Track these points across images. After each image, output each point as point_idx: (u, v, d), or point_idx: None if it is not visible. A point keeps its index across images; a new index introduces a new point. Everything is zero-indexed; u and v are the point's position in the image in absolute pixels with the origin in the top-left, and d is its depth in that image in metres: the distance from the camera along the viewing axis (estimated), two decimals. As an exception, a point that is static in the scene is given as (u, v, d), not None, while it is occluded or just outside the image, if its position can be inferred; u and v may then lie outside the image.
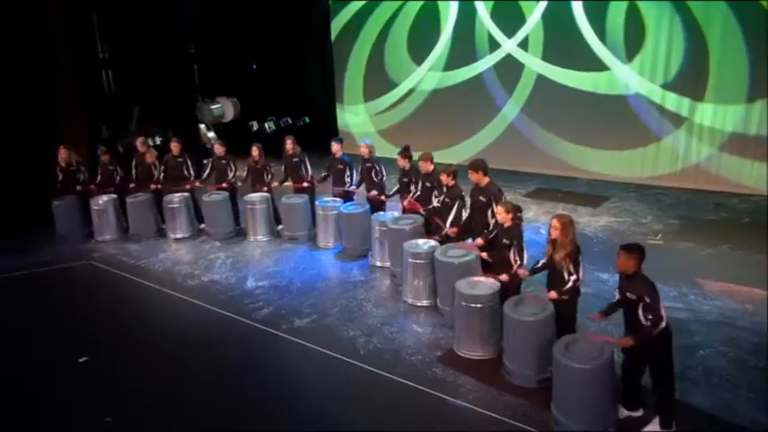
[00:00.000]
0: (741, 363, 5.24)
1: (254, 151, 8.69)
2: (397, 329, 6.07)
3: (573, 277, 4.88)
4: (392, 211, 7.74)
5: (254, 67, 14.53)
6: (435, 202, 6.88)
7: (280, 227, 8.87)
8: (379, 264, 7.59)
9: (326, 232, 8.30)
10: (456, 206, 6.37)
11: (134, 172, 9.15)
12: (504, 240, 5.41)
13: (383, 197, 7.95)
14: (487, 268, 5.78)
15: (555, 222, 4.99)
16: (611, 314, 4.66)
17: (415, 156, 7.45)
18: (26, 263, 8.23)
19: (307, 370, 5.57)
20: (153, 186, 9.07)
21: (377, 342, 5.86)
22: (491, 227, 5.95)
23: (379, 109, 13.17)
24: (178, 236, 8.93)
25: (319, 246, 8.34)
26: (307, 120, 14.06)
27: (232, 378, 5.45)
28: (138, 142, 9.20)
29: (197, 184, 8.96)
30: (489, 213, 6.00)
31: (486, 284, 5.50)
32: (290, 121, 14.10)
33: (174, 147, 8.96)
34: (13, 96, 9.79)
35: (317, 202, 8.48)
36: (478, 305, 5.37)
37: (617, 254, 4.44)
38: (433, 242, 6.57)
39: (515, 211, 5.44)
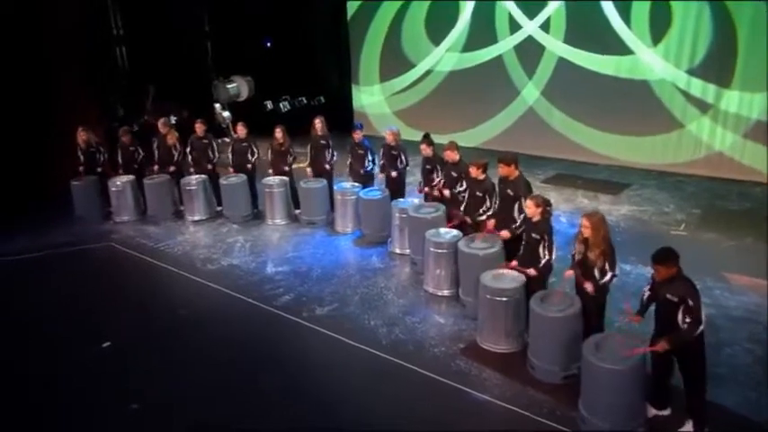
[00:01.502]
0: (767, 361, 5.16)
1: (278, 133, 8.58)
2: (419, 319, 6.03)
3: (609, 274, 4.79)
4: (413, 199, 7.63)
5: (269, 45, 14.29)
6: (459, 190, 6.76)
7: (297, 211, 8.80)
8: (398, 251, 7.53)
9: (345, 217, 8.22)
10: (489, 201, 6.22)
11: (155, 153, 9.06)
12: (534, 235, 5.31)
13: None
14: (512, 260, 5.68)
15: (585, 222, 4.88)
16: (646, 311, 4.55)
17: (435, 140, 7.35)
18: (46, 244, 8.23)
19: (328, 359, 5.55)
20: (172, 169, 8.99)
21: (399, 332, 5.82)
22: (518, 222, 5.82)
23: (395, 90, 12.95)
24: (196, 218, 8.90)
25: (337, 231, 8.28)
26: (322, 99, 13.84)
27: (254, 365, 5.44)
28: (160, 123, 9.12)
29: (230, 170, 8.84)
30: (516, 207, 5.87)
31: (511, 277, 5.42)
32: (304, 101, 13.90)
33: (199, 127, 8.86)
34: (27, 75, 9.68)
35: (335, 187, 8.39)
36: (503, 298, 5.31)
37: (653, 266, 4.28)
38: (455, 232, 6.47)
39: (545, 204, 5.33)
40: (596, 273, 4.84)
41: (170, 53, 12.12)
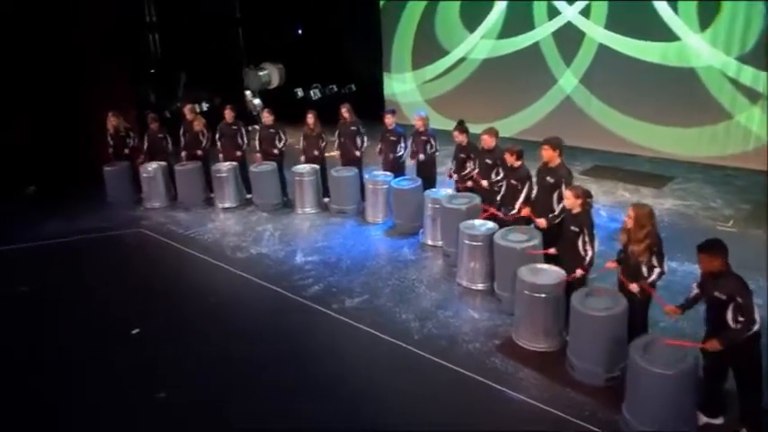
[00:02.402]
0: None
1: (310, 118, 8.43)
2: (452, 314, 5.82)
3: (657, 270, 4.51)
4: (446, 189, 7.39)
5: (300, 32, 14.15)
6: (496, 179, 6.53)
7: (327, 199, 8.65)
8: (430, 242, 7.32)
9: (376, 207, 8.04)
10: (525, 189, 5.97)
11: (182, 140, 9.00)
12: (573, 228, 5.04)
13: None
14: (551, 257, 5.43)
15: (630, 212, 4.61)
16: (689, 309, 4.29)
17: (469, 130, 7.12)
18: (77, 229, 8.25)
19: (358, 352, 5.40)
20: (200, 153, 8.92)
21: (431, 327, 5.62)
22: (557, 211, 5.57)
23: (428, 77, 12.70)
24: (226, 205, 8.83)
25: (368, 221, 8.11)
26: (353, 87, 13.66)
27: (282, 357, 5.31)
28: (187, 109, 9.04)
29: (258, 156, 8.72)
30: (555, 197, 5.61)
31: (551, 273, 5.17)
32: (335, 89, 13.73)
33: (228, 114, 8.76)
34: (60, 61, 9.71)
35: (366, 176, 8.21)
36: (542, 295, 5.06)
37: (698, 256, 4.02)
38: (490, 224, 6.23)
39: (585, 196, 5.05)
40: (644, 269, 4.56)
41: (201, 40, 12.11)
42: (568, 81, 10.77)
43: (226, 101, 10.26)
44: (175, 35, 12.00)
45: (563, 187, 5.48)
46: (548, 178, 5.64)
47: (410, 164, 7.99)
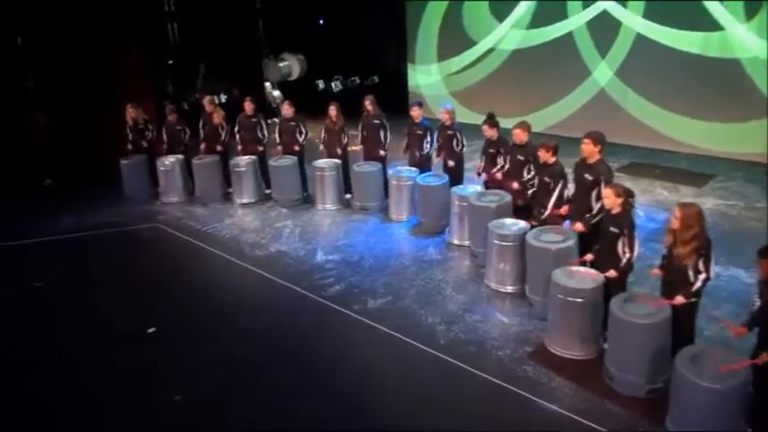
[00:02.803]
0: None
1: (332, 111, 8.32)
2: (481, 318, 5.67)
3: (702, 276, 4.31)
4: (474, 185, 7.23)
5: (321, 22, 14.05)
6: (528, 177, 6.35)
7: (348, 195, 8.55)
8: (456, 242, 7.17)
9: (400, 204, 7.92)
10: (559, 187, 5.78)
11: (201, 132, 8.97)
12: (612, 229, 4.86)
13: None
14: (586, 256, 5.25)
15: (676, 211, 4.41)
16: (757, 326, 4.05)
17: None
18: (93, 223, 8.27)
19: (381, 356, 5.29)
20: (219, 148, 8.88)
21: (458, 331, 5.48)
22: (594, 211, 5.38)
23: (454, 69, 12.49)
24: (244, 201, 8.78)
25: (391, 218, 7.99)
26: (375, 79, 13.50)
27: (301, 359, 5.23)
28: (206, 101, 9.00)
29: (279, 149, 8.66)
30: (594, 195, 5.41)
31: (588, 276, 4.99)
32: (357, 81, 13.59)
33: (248, 106, 8.69)
34: (77, 51, 9.75)
35: (390, 171, 8.09)
36: (578, 300, 4.88)
37: (758, 261, 3.82)
38: (522, 223, 6.07)
39: (626, 195, 4.86)
40: (690, 274, 4.36)
41: (221, 30, 12.06)
42: (603, 73, 10.48)
43: (245, 93, 10.24)
44: (194, 25, 11.97)
45: (602, 185, 5.28)
46: (586, 175, 5.44)
47: (436, 161, 7.83)
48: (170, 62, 11.93)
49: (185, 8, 11.94)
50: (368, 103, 8.25)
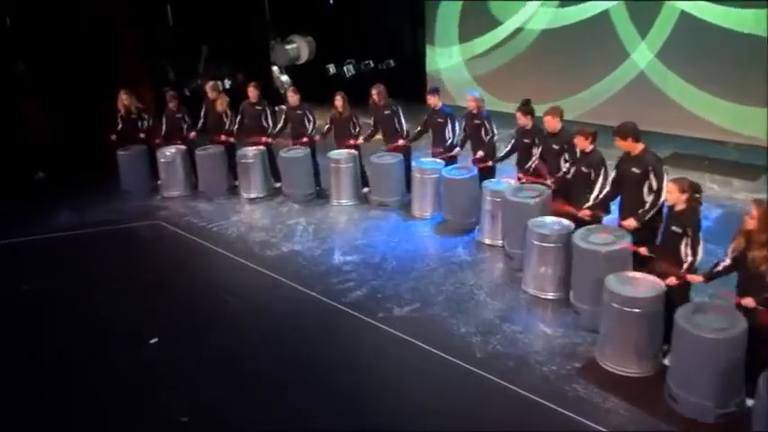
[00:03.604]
0: None
1: (338, 101, 8.02)
2: (521, 328, 5.35)
3: None
4: (507, 178, 6.90)
5: (331, 1, 13.70)
6: (564, 169, 6.03)
7: (366, 190, 8.25)
8: (488, 241, 6.86)
9: (423, 199, 7.60)
10: (600, 178, 5.47)
11: (202, 121, 8.72)
12: (674, 228, 4.52)
13: (491, 162, 7.08)
14: (643, 261, 4.91)
15: (752, 210, 4.07)
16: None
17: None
18: (89, 220, 8.04)
19: (410, 371, 4.98)
20: (224, 138, 8.59)
21: (496, 343, 5.16)
22: (648, 206, 5.04)
23: (477, 52, 12.12)
24: (252, 195, 8.50)
25: (414, 215, 7.69)
26: (391, 63, 13.11)
27: (322, 372, 4.95)
28: (208, 87, 8.71)
29: (271, 140, 8.42)
30: (645, 189, 5.08)
31: (647, 283, 4.65)
32: (371, 65, 13.22)
33: (252, 92, 8.41)
34: (70, 35, 9.49)
35: (413, 164, 7.77)
36: (636, 310, 4.54)
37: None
38: (565, 222, 5.73)
39: (692, 190, 4.51)
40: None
41: (224, 10, 11.74)
42: (643, 55, 10.08)
43: (250, 78, 9.98)
44: (195, 5, 11.68)
45: (651, 177, 4.97)
46: (634, 169, 5.13)
47: (461, 152, 7.51)
48: (169, 45, 11.68)
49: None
50: (374, 94, 7.89)
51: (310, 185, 8.40)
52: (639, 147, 5.20)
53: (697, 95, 9.66)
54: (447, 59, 12.65)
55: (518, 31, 11.45)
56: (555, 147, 6.13)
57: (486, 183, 6.86)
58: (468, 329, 5.36)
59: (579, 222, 5.55)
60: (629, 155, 5.24)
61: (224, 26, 11.72)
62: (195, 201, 8.59)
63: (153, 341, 5.49)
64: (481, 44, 12.02)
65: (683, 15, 9.56)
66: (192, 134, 8.74)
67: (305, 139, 8.28)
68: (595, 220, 5.52)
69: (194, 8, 11.63)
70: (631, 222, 5.12)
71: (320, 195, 8.44)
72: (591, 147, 5.54)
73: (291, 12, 12.89)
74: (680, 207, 4.53)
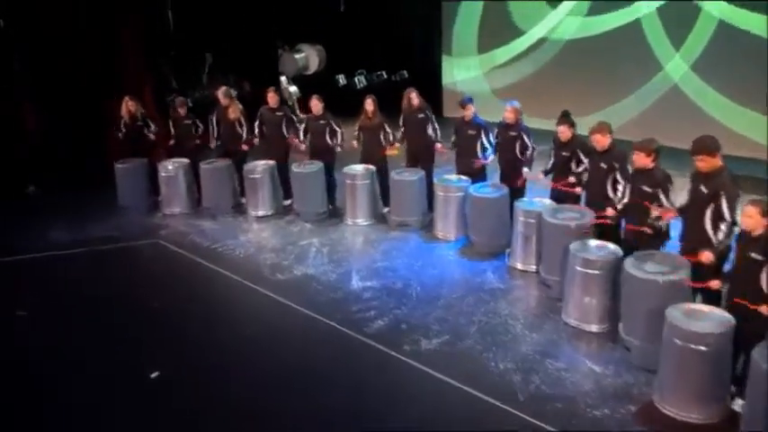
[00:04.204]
0: None
1: (369, 105, 7.74)
2: (565, 365, 4.98)
3: None
4: (541, 198, 6.57)
5: (342, 8, 13.51)
6: (616, 192, 5.67)
7: (386, 209, 7.93)
8: (520, 266, 6.52)
9: (447, 220, 7.29)
10: (666, 197, 5.13)
11: (214, 130, 8.45)
12: (754, 255, 4.17)
13: (541, 175, 6.65)
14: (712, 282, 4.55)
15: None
16: None
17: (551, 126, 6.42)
18: (83, 238, 7.73)
19: (445, 414, 4.58)
20: (245, 148, 8.32)
21: (539, 382, 4.79)
22: (721, 235, 4.64)
23: (498, 63, 11.99)
24: (260, 213, 8.21)
25: (437, 236, 7.37)
26: (405, 74, 12.95)
27: (345, 415, 4.56)
28: (220, 93, 8.44)
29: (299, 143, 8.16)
30: (709, 214, 4.72)
31: (713, 317, 4.29)
32: (384, 76, 13.04)
33: (272, 98, 8.16)
34: (69, 38, 9.29)
35: (435, 180, 7.46)
36: (701, 347, 4.18)
37: None
38: (612, 246, 5.40)
39: (776, 213, 4.18)
40: None
41: (229, 17, 11.57)
42: (677, 67, 9.89)
43: (256, 87, 9.76)
44: (199, 10, 11.51)
45: (723, 202, 4.62)
46: (701, 187, 4.78)
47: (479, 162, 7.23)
48: (172, 53, 11.50)
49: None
50: (413, 94, 7.65)
51: (323, 203, 8.10)
52: (718, 163, 4.78)
53: (736, 111, 9.41)
54: (465, 71, 12.46)
55: (542, 41, 11.30)
56: (603, 166, 5.76)
57: (518, 202, 6.54)
58: (507, 366, 4.99)
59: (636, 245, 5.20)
60: (702, 173, 4.83)
61: (229, 33, 11.59)
62: (198, 218, 8.29)
63: (154, 375, 5.11)
64: (502, 55, 11.86)
65: (722, 24, 9.36)
66: (213, 144, 8.46)
67: (339, 148, 7.97)
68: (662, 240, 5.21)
69: (198, 13, 11.47)
70: (708, 256, 4.64)
71: (333, 214, 8.14)
72: (653, 164, 5.19)
73: (300, 19, 12.73)
74: (758, 232, 4.19)
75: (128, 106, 8.47)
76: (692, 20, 9.58)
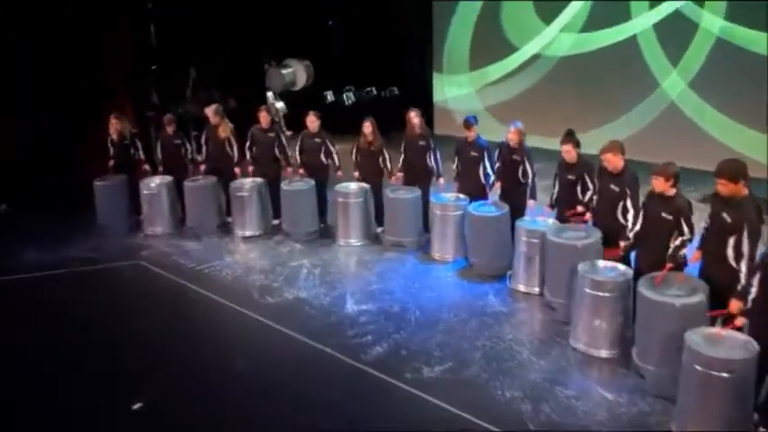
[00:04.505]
0: None
1: (368, 128, 7.61)
2: (576, 393, 4.81)
3: None
4: (544, 216, 6.44)
5: (330, 23, 13.46)
6: (626, 220, 5.50)
7: (380, 229, 7.77)
8: (522, 289, 6.37)
9: (445, 240, 7.14)
10: (688, 227, 4.94)
11: (203, 149, 8.31)
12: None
13: (549, 209, 6.47)
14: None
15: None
16: None
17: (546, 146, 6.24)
18: (62, 259, 7.47)
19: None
20: (237, 171, 8.14)
21: (550, 411, 4.61)
22: (743, 268, 4.46)
23: (490, 79, 11.98)
24: (247, 233, 7.99)
25: (434, 257, 7.21)
26: (395, 90, 12.92)
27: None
28: (210, 111, 8.27)
29: (298, 171, 8.03)
30: (732, 243, 4.54)
31: (735, 342, 4.16)
32: (374, 92, 12.98)
33: (264, 117, 8.02)
34: (46, 57, 9.09)
35: (432, 199, 7.33)
36: (724, 374, 4.04)
37: None
38: (622, 267, 5.27)
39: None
40: None
41: (214, 30, 11.40)
42: (674, 84, 9.92)
43: (243, 103, 9.62)
44: (182, 24, 11.36)
45: (744, 230, 4.47)
46: (723, 214, 4.62)
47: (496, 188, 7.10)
48: (153, 67, 11.31)
49: (170, 4, 11.37)
50: (413, 116, 7.52)
51: (314, 222, 7.92)
52: (743, 191, 4.59)
53: (735, 129, 9.43)
54: (457, 88, 12.43)
55: (535, 57, 11.29)
56: (615, 189, 5.59)
57: (520, 222, 6.41)
58: (514, 394, 4.81)
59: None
60: (723, 197, 4.65)
61: (215, 47, 11.39)
62: (182, 239, 8.05)
63: (136, 407, 4.86)
64: (495, 71, 11.84)
65: (719, 41, 9.40)
66: (203, 167, 8.29)
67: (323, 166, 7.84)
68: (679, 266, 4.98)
69: (182, 27, 11.31)
70: (739, 305, 4.35)
71: (325, 234, 7.97)
72: (673, 190, 5.03)
73: (288, 33, 12.62)
74: None
75: (113, 125, 8.25)
76: (690, 36, 9.61)
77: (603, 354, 5.24)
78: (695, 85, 9.73)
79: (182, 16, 11.27)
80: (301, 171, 7.95)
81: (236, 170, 8.12)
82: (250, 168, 8.10)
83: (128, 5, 10.70)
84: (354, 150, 7.77)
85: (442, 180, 7.53)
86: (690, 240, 4.96)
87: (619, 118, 10.44)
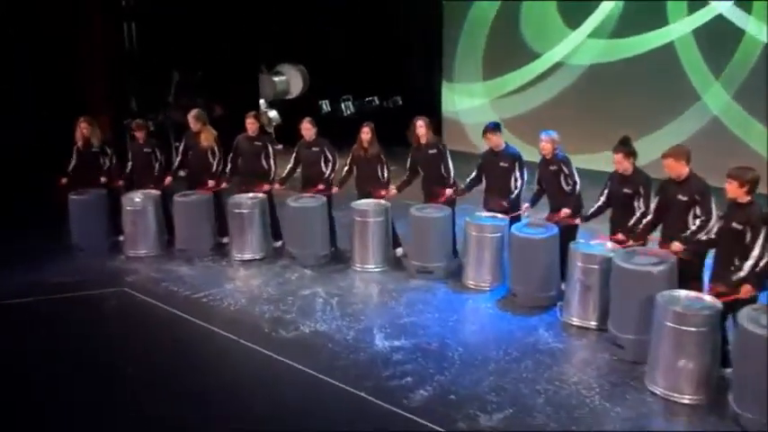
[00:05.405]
0: None
1: (366, 134, 7.34)
2: (666, 447, 4.42)
3: None
4: (601, 241, 6.10)
5: (328, 26, 13.23)
6: (699, 232, 5.25)
7: (399, 250, 7.43)
8: (576, 322, 6.00)
9: (481, 266, 6.80)
10: (760, 239, 4.71)
11: (179, 159, 7.98)
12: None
13: (578, 220, 6.34)
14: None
15: None
16: None
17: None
18: (33, 285, 7.01)
19: None
20: (212, 184, 7.72)
21: (640, 469, 4.22)
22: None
23: (506, 90, 11.89)
24: (246, 257, 7.57)
25: (468, 285, 6.85)
26: (399, 101, 12.72)
27: None
28: (191, 117, 7.92)
29: (276, 185, 7.71)
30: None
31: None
32: (375, 102, 12.75)
33: (251, 124, 7.69)
34: (20, 59, 8.92)
35: (467, 219, 6.97)
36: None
37: None
38: (708, 298, 4.92)
39: None
40: None
41: (202, 30, 11.29)
42: (717, 97, 9.86)
43: (231, 110, 9.33)
44: (163, 24, 11.16)
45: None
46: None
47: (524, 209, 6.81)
48: (131, 71, 11.03)
49: (152, 2, 11.16)
50: (420, 125, 7.21)
51: (325, 245, 7.52)
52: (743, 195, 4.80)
53: (784, 145, 9.30)
54: (468, 99, 12.34)
55: (559, 65, 11.22)
56: (682, 198, 5.37)
57: (575, 245, 6.06)
58: (592, 448, 4.41)
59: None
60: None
61: (202, 48, 11.26)
62: (171, 262, 7.62)
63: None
64: (512, 81, 11.74)
65: (767, 49, 9.29)
66: (168, 179, 7.86)
67: (320, 187, 7.44)
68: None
69: (165, 26, 11.07)
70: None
71: (336, 258, 7.61)
72: (748, 197, 4.83)
73: (281, 37, 12.48)
74: None
75: (81, 129, 7.85)
76: (734, 43, 9.56)
77: (686, 399, 4.86)
78: (740, 97, 9.65)
79: (165, 15, 11.06)
80: (278, 186, 7.65)
81: (210, 182, 7.70)
82: (224, 185, 7.79)
83: (101, 3, 10.52)
84: (349, 159, 7.50)
85: (449, 191, 7.10)
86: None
87: (653, 133, 10.24)
